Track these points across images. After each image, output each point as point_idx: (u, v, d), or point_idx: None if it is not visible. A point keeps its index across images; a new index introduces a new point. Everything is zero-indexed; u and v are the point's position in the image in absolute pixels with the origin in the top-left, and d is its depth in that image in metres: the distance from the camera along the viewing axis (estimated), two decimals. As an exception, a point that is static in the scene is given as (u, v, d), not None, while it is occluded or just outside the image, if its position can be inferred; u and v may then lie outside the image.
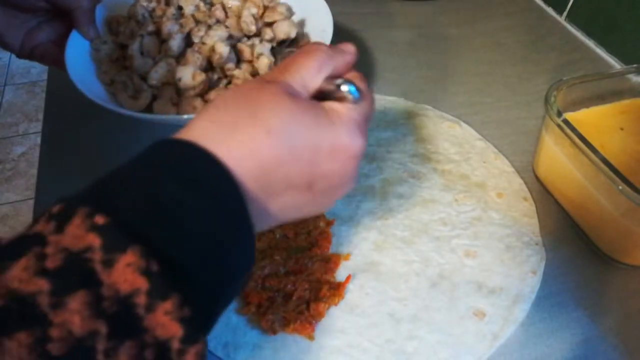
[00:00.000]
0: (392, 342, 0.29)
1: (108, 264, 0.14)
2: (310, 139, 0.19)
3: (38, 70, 1.49)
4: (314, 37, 0.40)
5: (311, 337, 0.29)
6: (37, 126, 1.33)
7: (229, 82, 0.36)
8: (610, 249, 0.34)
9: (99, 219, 0.14)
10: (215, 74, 0.35)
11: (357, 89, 0.21)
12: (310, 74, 0.21)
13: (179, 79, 0.33)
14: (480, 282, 0.32)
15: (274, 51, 0.38)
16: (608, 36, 0.50)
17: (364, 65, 0.49)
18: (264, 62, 0.35)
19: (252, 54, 0.36)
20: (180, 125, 0.21)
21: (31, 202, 1.11)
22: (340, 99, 0.21)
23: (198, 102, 0.34)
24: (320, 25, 0.39)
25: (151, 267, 0.14)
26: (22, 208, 1.13)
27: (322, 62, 0.21)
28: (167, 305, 0.14)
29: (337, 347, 0.29)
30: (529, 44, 0.53)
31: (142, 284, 0.14)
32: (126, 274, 0.14)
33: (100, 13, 0.38)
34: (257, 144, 0.18)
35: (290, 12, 0.40)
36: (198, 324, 0.15)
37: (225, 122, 0.18)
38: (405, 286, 0.32)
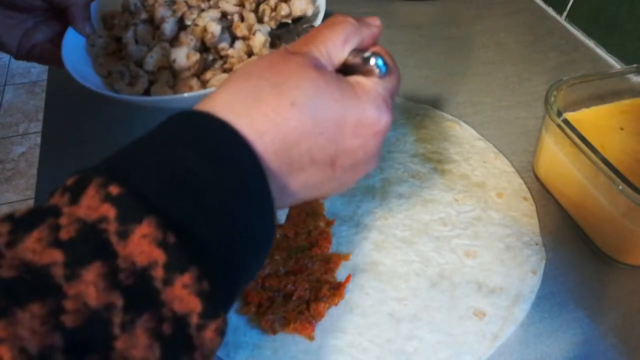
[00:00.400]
0: (392, 342, 0.29)
1: (123, 235, 0.14)
2: (335, 113, 0.18)
3: (38, 70, 1.49)
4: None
5: (311, 337, 0.29)
6: (37, 126, 1.33)
7: (224, 63, 0.36)
8: (610, 249, 0.34)
9: (114, 189, 0.14)
10: (209, 54, 0.35)
11: (385, 62, 0.20)
12: (335, 47, 0.20)
13: (174, 60, 0.34)
14: (480, 282, 0.32)
15: (288, 29, 0.36)
16: (608, 36, 0.50)
17: (364, 65, 0.49)
18: (259, 40, 0.35)
19: (249, 30, 0.36)
20: (178, 107, 0.21)
21: (31, 202, 1.10)
22: (367, 72, 0.20)
23: (194, 82, 0.34)
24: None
25: (168, 239, 0.14)
26: (22, 208, 1.13)
27: (348, 34, 0.20)
28: (185, 278, 0.14)
29: (337, 347, 0.29)
30: (529, 43, 0.53)
31: (159, 256, 0.14)
32: (142, 245, 0.14)
33: (94, 9, 0.38)
34: (280, 116, 0.17)
35: None
36: (218, 299, 0.15)
37: (247, 93, 0.17)
38: (405, 286, 0.32)
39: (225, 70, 0.35)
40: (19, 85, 1.46)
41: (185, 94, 0.32)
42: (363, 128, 0.19)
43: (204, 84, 0.35)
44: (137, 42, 0.36)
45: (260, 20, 0.37)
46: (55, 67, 0.36)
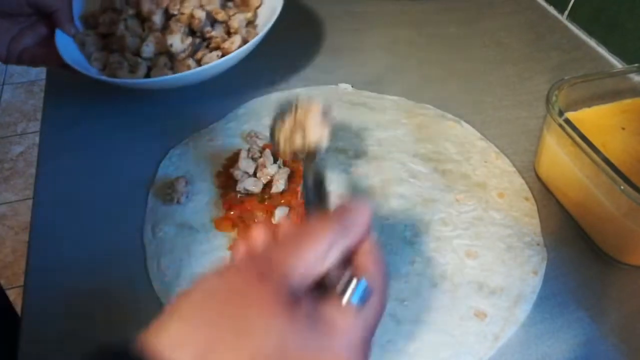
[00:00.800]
0: (393, 342, 0.29)
1: None
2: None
3: (36, 70, 1.48)
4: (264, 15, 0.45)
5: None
6: (36, 126, 1.32)
7: (209, 43, 0.42)
8: (611, 249, 0.33)
9: None
10: (196, 38, 0.41)
11: (365, 291, 0.18)
12: (316, 260, 0.17)
13: (171, 45, 0.39)
14: (482, 283, 0.32)
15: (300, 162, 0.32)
16: (609, 35, 0.50)
17: (365, 65, 0.49)
18: (237, 19, 0.41)
19: (227, 15, 0.42)
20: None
21: (29, 202, 1.10)
22: (342, 293, 0.17)
23: (190, 62, 0.40)
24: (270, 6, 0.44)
25: None
26: (21, 208, 1.13)
27: (333, 242, 0.17)
28: None
29: (338, 348, 0.29)
30: (530, 43, 0.53)
31: None
32: None
33: (75, 12, 0.42)
34: None
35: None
36: None
37: (203, 337, 0.15)
38: (406, 286, 0.31)
39: (211, 50, 0.41)
40: (18, 84, 1.45)
41: (187, 72, 0.38)
42: None
43: (198, 63, 0.40)
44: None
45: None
46: (48, 67, 0.37)
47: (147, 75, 0.40)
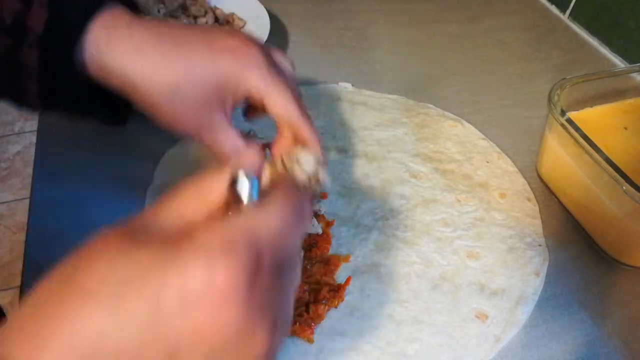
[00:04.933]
0: (393, 344, 0.29)
1: None
2: (143, 292, 0.13)
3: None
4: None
5: (310, 340, 0.29)
6: (33, 124, 1.32)
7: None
8: (613, 250, 0.33)
9: None
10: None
11: (254, 185, 0.16)
12: (174, 212, 0.16)
13: None
14: (483, 284, 0.32)
15: None
16: (612, 34, 0.49)
17: (365, 64, 0.49)
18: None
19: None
20: None
21: (26, 201, 1.10)
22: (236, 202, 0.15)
23: None
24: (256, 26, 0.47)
25: None
26: (18, 207, 1.12)
27: (197, 191, 0.16)
28: None
29: (337, 349, 0.28)
30: (532, 42, 0.52)
31: None
32: None
33: None
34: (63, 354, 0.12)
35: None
36: None
37: (31, 330, 0.13)
38: (406, 288, 0.31)
39: None
40: (17, 82, 1.45)
41: None
42: (193, 308, 0.13)
43: None
44: None
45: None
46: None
47: None
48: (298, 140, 0.27)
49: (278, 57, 0.28)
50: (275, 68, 0.26)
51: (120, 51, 0.24)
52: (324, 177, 0.26)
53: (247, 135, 0.29)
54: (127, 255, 0.14)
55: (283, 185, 0.17)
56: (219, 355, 0.13)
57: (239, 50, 0.25)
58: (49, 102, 0.25)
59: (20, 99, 0.26)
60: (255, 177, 0.16)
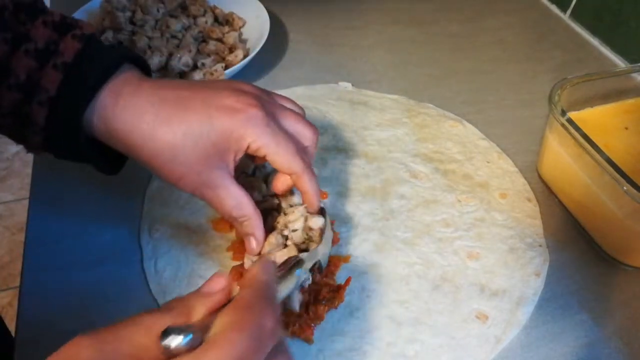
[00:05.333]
0: (393, 345, 0.29)
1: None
2: None
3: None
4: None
5: (310, 341, 0.28)
6: (34, 124, 1.31)
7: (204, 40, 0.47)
8: (614, 250, 0.33)
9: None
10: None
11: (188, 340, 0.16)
12: (124, 346, 0.16)
13: (179, 58, 0.43)
14: (483, 285, 0.31)
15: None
16: (613, 34, 0.49)
17: (365, 63, 0.49)
18: (232, 36, 0.46)
19: (222, 32, 0.47)
20: None
21: (26, 202, 1.10)
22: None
23: (196, 73, 0.43)
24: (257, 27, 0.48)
25: None
26: (17, 208, 1.12)
27: (150, 329, 0.17)
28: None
29: (337, 350, 0.28)
30: (533, 42, 0.52)
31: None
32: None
33: None
34: None
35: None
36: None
37: None
38: (407, 288, 0.31)
39: (215, 62, 0.44)
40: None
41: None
42: None
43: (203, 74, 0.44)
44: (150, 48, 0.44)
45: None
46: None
47: None
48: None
49: (282, 101, 0.29)
50: (275, 122, 0.26)
51: (125, 117, 0.25)
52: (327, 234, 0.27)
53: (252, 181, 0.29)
54: None
55: (238, 306, 0.17)
56: None
57: (236, 108, 0.25)
58: (49, 150, 0.27)
59: (21, 143, 0.27)
60: (190, 333, 0.16)
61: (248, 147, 0.26)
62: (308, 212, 0.29)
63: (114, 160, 0.29)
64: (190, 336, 0.16)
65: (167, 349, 0.16)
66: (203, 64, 0.44)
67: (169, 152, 0.25)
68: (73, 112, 0.25)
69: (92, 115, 0.25)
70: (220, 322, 0.17)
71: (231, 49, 0.46)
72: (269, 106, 0.27)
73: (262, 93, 0.28)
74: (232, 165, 0.26)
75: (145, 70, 0.29)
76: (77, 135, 0.25)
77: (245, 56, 0.45)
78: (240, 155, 0.26)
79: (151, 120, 0.25)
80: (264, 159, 0.27)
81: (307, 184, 0.27)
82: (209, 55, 0.45)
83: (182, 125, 0.25)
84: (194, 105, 0.25)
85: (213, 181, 0.26)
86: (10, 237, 1.07)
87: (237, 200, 0.26)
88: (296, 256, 0.27)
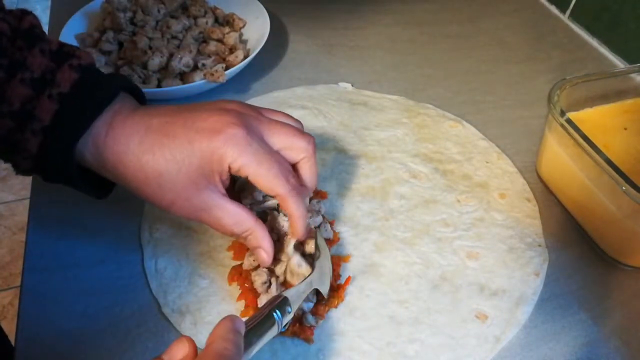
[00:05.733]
0: (393, 345, 0.29)
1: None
2: None
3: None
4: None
5: (310, 340, 0.29)
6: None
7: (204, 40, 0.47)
8: (613, 250, 0.33)
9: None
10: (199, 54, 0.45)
11: None
12: None
13: (180, 59, 0.43)
14: (483, 284, 0.32)
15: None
16: (612, 35, 0.49)
17: (365, 64, 0.49)
18: (232, 36, 0.46)
19: (222, 33, 0.47)
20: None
21: (26, 202, 1.10)
22: None
23: (197, 74, 0.43)
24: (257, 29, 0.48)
25: None
26: (18, 208, 1.12)
27: None
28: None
29: (337, 350, 0.28)
30: (532, 42, 0.52)
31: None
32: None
33: (69, 34, 0.46)
34: None
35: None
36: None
37: None
38: (406, 288, 0.31)
39: (215, 63, 0.45)
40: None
41: (199, 82, 0.42)
42: None
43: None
44: (151, 48, 0.44)
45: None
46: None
47: (157, 87, 0.43)
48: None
49: (273, 116, 0.28)
50: (258, 140, 0.25)
51: (113, 147, 0.25)
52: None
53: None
54: None
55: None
56: None
57: (215, 129, 0.25)
58: (38, 173, 0.27)
59: (9, 163, 0.27)
60: None
61: (230, 168, 0.25)
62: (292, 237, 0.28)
63: (102, 186, 0.29)
64: None
65: None
66: (204, 65, 0.44)
67: (156, 180, 0.25)
68: (66, 142, 0.25)
69: (84, 145, 0.25)
70: None
71: (231, 50, 0.46)
72: (255, 123, 0.26)
73: (247, 110, 0.27)
74: (220, 185, 0.26)
75: (140, 98, 0.29)
76: (69, 164, 0.25)
77: (245, 57, 0.45)
78: (225, 176, 0.26)
79: (136, 149, 0.25)
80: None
81: (291, 207, 0.26)
82: (209, 55, 0.45)
83: (164, 153, 0.25)
84: (174, 131, 0.25)
85: (205, 203, 0.25)
86: (11, 237, 1.07)
87: (235, 217, 0.26)
88: (278, 295, 0.25)
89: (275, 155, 0.26)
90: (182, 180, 0.25)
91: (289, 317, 0.25)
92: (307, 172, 0.28)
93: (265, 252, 0.27)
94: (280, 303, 0.25)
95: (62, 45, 0.26)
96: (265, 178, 0.25)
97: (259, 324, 0.23)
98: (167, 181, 0.25)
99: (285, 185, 0.26)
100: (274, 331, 0.24)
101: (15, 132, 0.25)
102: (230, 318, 0.21)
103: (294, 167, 0.28)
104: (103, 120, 0.25)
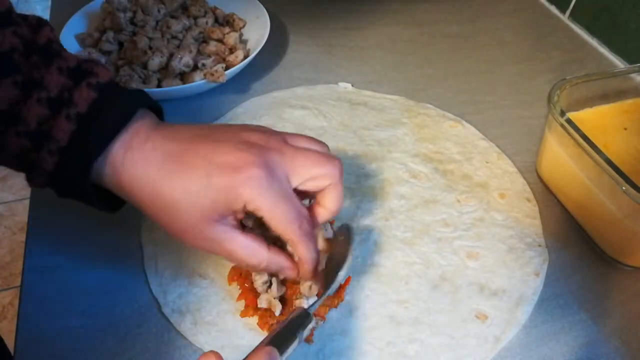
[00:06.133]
0: (393, 345, 0.29)
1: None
2: None
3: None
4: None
5: (310, 340, 0.29)
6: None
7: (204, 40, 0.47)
8: (613, 250, 0.33)
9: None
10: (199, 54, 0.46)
11: None
12: None
13: (180, 58, 0.44)
14: (483, 284, 0.32)
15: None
16: (611, 35, 0.49)
17: (365, 64, 0.49)
18: (232, 36, 0.47)
19: (222, 33, 0.47)
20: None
21: (26, 202, 1.10)
22: None
23: (197, 74, 0.43)
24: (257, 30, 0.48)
25: None
26: (18, 208, 1.12)
27: None
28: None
29: (337, 350, 0.28)
30: (532, 42, 0.52)
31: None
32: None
33: (69, 35, 0.46)
34: None
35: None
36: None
37: None
38: (406, 288, 0.31)
39: (216, 63, 0.45)
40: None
41: (199, 82, 0.42)
42: None
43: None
44: (151, 48, 0.45)
45: None
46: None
47: (158, 87, 0.43)
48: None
49: (297, 142, 0.27)
50: (277, 183, 0.25)
51: (131, 171, 0.25)
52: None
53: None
54: None
55: None
56: None
57: (236, 167, 0.24)
58: (53, 188, 0.27)
59: (25, 178, 0.27)
60: None
61: (245, 207, 0.25)
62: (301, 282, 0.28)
63: (114, 200, 0.28)
64: None
65: None
66: (204, 65, 0.44)
67: (171, 209, 0.25)
68: (83, 163, 0.24)
69: (101, 165, 0.25)
70: None
71: (232, 50, 0.46)
72: (278, 158, 0.25)
73: (270, 141, 0.26)
74: (232, 219, 0.25)
75: (159, 112, 0.28)
76: (84, 183, 0.25)
77: (245, 57, 0.45)
78: (240, 215, 0.25)
79: (154, 176, 0.25)
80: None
81: (300, 252, 0.26)
82: (209, 55, 0.45)
83: (182, 182, 0.25)
84: (194, 162, 0.25)
85: (217, 236, 0.25)
86: (11, 237, 1.07)
87: (247, 250, 0.26)
88: (304, 312, 0.25)
89: (292, 200, 0.26)
90: (194, 213, 0.25)
91: (307, 332, 0.25)
92: (332, 200, 0.27)
93: (290, 270, 0.27)
94: (306, 322, 0.24)
95: (80, 62, 0.26)
96: (279, 222, 0.25)
97: (285, 345, 0.23)
98: (181, 211, 0.25)
99: (297, 231, 0.25)
100: (294, 347, 0.24)
101: (31, 151, 0.24)
102: (267, 351, 0.21)
103: (320, 193, 0.27)
104: (121, 142, 0.25)
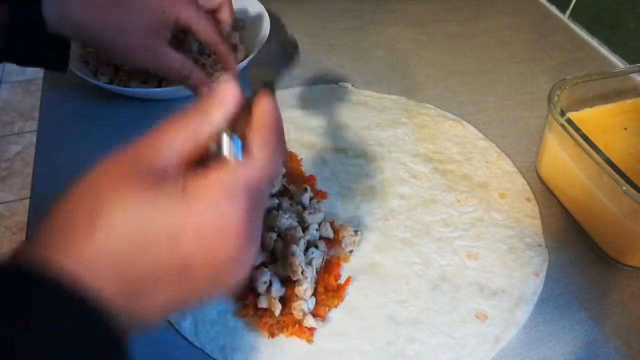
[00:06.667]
0: (393, 345, 0.29)
1: None
2: (164, 227, 0.17)
3: (34, 69, 1.47)
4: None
5: (310, 340, 0.29)
6: (33, 125, 1.32)
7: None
8: (613, 250, 0.33)
9: None
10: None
11: (237, 144, 0.18)
12: (174, 148, 0.18)
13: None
14: (483, 284, 0.32)
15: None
16: (612, 35, 0.49)
17: (365, 64, 0.49)
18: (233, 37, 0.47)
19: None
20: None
21: (26, 202, 1.10)
22: (221, 159, 0.18)
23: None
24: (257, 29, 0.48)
25: None
26: (18, 208, 1.12)
27: (190, 132, 0.18)
28: None
29: (337, 350, 0.28)
30: (532, 42, 0.52)
31: None
32: None
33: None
34: (100, 243, 0.16)
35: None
36: None
37: (63, 227, 0.17)
38: (406, 288, 0.31)
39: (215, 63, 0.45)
40: (15, 83, 1.44)
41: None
42: (206, 238, 0.17)
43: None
44: None
45: None
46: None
47: (158, 87, 0.44)
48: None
49: None
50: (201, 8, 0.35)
51: (76, 6, 0.30)
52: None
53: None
54: (139, 199, 0.17)
55: (264, 138, 0.19)
56: (224, 267, 0.18)
57: None
58: (8, 55, 0.31)
59: None
60: (236, 136, 0.18)
61: (178, 20, 0.33)
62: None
63: (60, 58, 0.34)
64: (240, 144, 0.18)
65: (217, 154, 0.18)
66: (204, 64, 0.44)
67: (117, 30, 0.31)
68: (32, 6, 0.28)
69: (47, 9, 0.29)
70: (257, 141, 0.19)
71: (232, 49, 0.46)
72: None
73: None
74: (167, 36, 0.34)
75: None
76: (38, 32, 0.29)
77: (246, 56, 0.45)
78: (170, 26, 0.33)
79: (98, 6, 0.30)
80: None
81: (225, 54, 0.37)
82: (209, 55, 0.45)
83: (125, 5, 0.31)
84: None
85: (160, 50, 0.33)
86: (11, 237, 1.07)
87: (180, 61, 0.35)
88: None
89: (209, 20, 0.36)
90: (140, 28, 0.31)
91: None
92: (226, 12, 0.38)
93: (204, 84, 0.37)
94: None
95: None
96: (209, 30, 0.35)
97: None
98: (127, 29, 0.31)
99: (220, 38, 0.37)
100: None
101: None
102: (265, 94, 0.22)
103: (216, 11, 0.38)
104: None
